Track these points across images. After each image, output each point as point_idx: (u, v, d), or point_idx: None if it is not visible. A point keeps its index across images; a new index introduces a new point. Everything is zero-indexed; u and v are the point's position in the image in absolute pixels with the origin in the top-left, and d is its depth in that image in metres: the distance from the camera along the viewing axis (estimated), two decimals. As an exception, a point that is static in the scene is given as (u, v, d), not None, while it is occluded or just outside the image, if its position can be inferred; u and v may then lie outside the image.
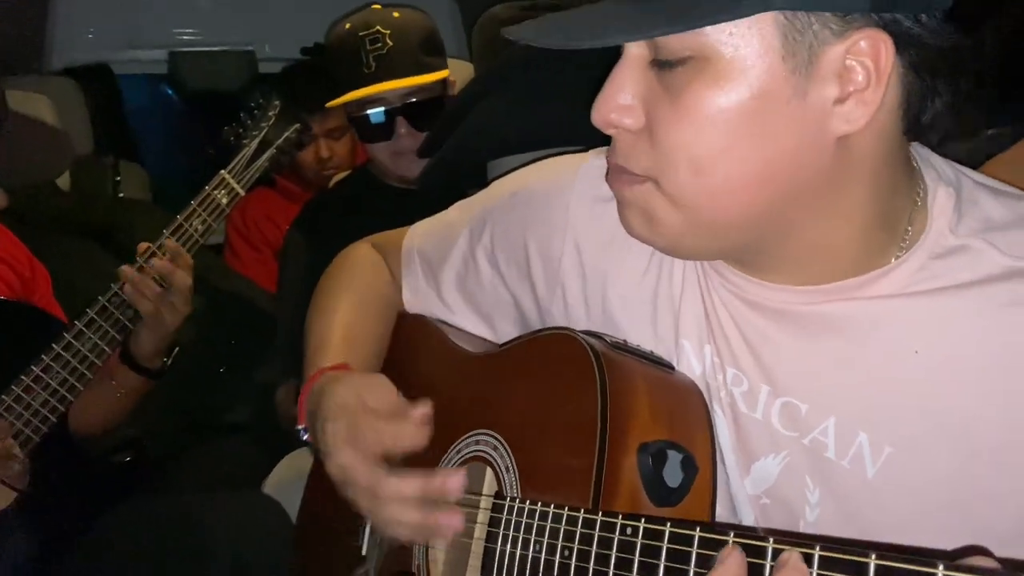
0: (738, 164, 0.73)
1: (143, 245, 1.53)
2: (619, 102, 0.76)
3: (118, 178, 2.92)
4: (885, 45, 0.70)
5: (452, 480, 0.88)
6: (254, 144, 1.65)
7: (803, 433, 0.82)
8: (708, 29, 0.70)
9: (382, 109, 1.85)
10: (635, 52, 0.76)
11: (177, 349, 1.64)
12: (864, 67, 0.71)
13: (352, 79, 1.84)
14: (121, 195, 2.92)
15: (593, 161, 0.98)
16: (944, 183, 0.82)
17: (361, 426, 0.93)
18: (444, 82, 1.92)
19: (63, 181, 2.65)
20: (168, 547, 1.55)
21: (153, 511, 1.63)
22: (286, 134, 1.68)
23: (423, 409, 0.93)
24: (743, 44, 0.70)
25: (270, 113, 1.69)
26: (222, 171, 1.62)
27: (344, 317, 1.13)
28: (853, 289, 0.80)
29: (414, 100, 1.85)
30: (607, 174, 0.83)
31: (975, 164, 0.94)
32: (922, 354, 0.77)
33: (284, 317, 2.03)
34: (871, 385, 0.79)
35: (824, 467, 0.81)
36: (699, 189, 0.75)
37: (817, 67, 0.71)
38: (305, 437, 1.05)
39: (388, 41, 1.83)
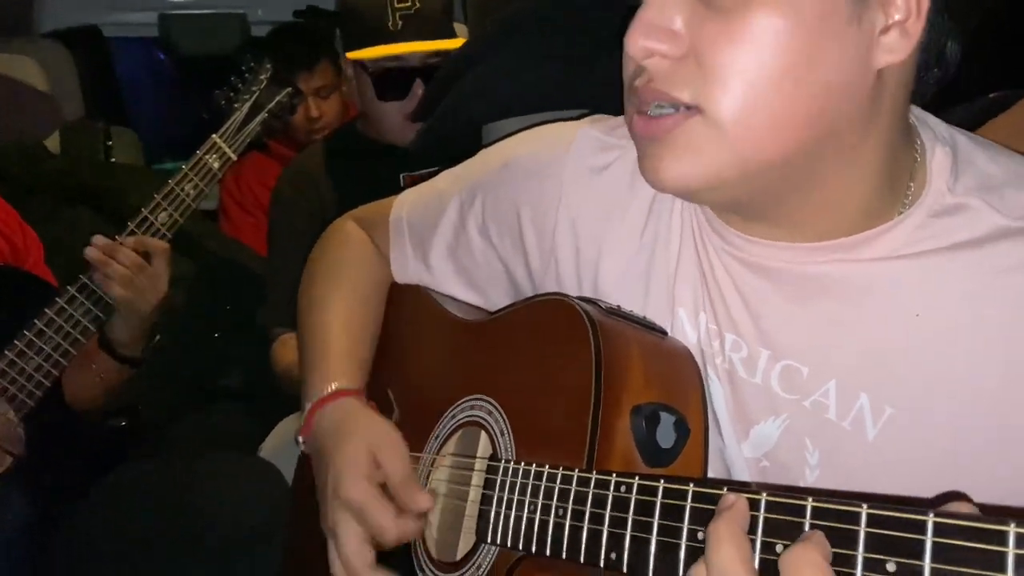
0: (793, 92, 0.71)
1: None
2: (661, 26, 0.73)
3: (109, 142, 2.89)
4: None
5: None
6: (245, 108, 1.64)
7: (804, 396, 0.82)
8: None
9: (401, 66, 1.85)
10: None
11: (158, 338, 1.63)
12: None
13: (376, 34, 1.84)
14: (113, 160, 2.90)
15: (587, 130, 0.97)
16: (941, 142, 0.83)
17: (370, 512, 0.93)
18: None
19: (54, 146, 2.63)
20: (164, 510, 1.56)
21: (149, 475, 1.63)
22: (277, 98, 1.67)
23: (427, 502, 0.94)
24: None
25: (261, 77, 1.68)
26: (213, 135, 1.61)
27: (342, 311, 1.12)
28: (855, 247, 0.80)
29: (433, 63, 1.85)
30: (632, 119, 0.78)
31: (973, 129, 0.94)
32: (923, 316, 0.78)
33: (275, 267, 2.03)
34: (872, 347, 0.79)
35: (824, 429, 0.81)
36: (751, 116, 0.72)
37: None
38: (302, 448, 1.06)
39: (416, 2, 1.84)
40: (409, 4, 1.83)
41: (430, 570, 0.93)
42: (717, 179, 0.75)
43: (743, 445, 0.86)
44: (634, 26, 0.74)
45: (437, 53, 1.85)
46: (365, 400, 1.06)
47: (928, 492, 0.75)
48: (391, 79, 1.86)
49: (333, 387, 1.05)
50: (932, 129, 0.84)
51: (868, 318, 0.80)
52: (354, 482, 0.95)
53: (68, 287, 1.51)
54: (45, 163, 2.48)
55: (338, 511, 0.95)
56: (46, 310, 1.48)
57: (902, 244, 0.79)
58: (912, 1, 0.72)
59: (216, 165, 1.59)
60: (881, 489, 0.79)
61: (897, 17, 0.72)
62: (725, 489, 0.58)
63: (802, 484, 0.83)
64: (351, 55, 1.91)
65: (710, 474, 0.85)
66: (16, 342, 1.45)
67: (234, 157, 1.62)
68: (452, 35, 1.89)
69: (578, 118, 1.03)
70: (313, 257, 1.22)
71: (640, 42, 0.74)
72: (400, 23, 1.82)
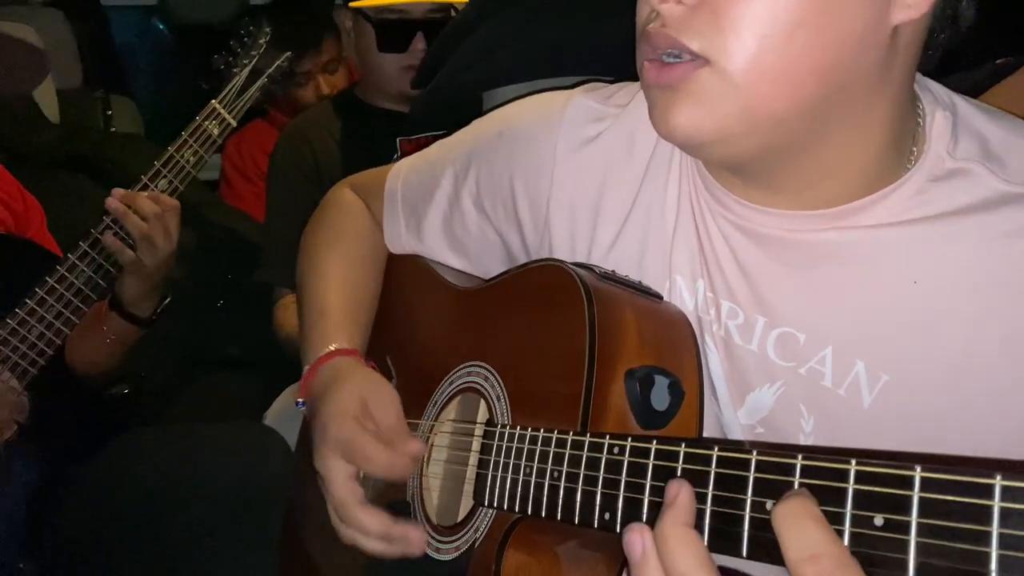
0: (807, 44, 0.71)
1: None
2: None
3: (109, 112, 2.88)
4: None
5: (414, 533, 0.91)
6: (244, 73, 1.62)
7: (800, 362, 0.82)
8: None
9: (404, 19, 1.87)
10: None
11: (168, 299, 1.63)
12: None
13: None
14: (112, 129, 2.89)
15: (581, 99, 0.96)
16: (941, 106, 0.82)
17: (357, 442, 0.93)
18: (454, 7, 1.95)
19: (53, 115, 2.62)
20: (168, 477, 1.57)
21: (152, 442, 1.65)
22: (277, 63, 1.66)
23: (418, 446, 0.94)
24: None
25: (260, 41, 1.66)
26: (213, 101, 1.60)
27: (340, 277, 1.13)
28: (854, 213, 0.79)
29: (435, 17, 1.88)
30: (642, 67, 0.78)
31: (977, 95, 0.93)
32: (921, 283, 0.77)
33: (272, 226, 2.04)
34: (869, 314, 0.79)
35: (820, 395, 0.82)
36: (763, 67, 0.71)
37: None
38: (302, 410, 1.07)
39: None
40: None
41: (430, 534, 0.94)
42: (726, 130, 0.75)
43: (739, 412, 0.87)
44: None
45: (440, 7, 1.86)
46: (362, 359, 1.07)
47: None
48: (393, 31, 1.88)
49: (331, 347, 1.05)
50: (932, 93, 0.83)
51: (866, 285, 0.79)
52: (342, 421, 0.95)
53: (69, 255, 1.51)
54: (44, 132, 2.47)
55: (327, 451, 0.96)
56: (47, 278, 1.48)
57: (900, 210, 0.79)
58: None
59: (216, 131, 1.59)
60: None
61: None
62: (716, 449, 0.59)
63: (792, 443, 0.84)
64: (354, 4, 1.90)
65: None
66: (18, 310, 1.46)
67: (234, 123, 1.62)
68: None
69: (577, 84, 1.02)
70: (311, 224, 1.23)
71: None
72: None
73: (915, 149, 0.80)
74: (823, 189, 0.80)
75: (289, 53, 1.68)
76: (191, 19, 3.32)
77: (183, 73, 3.73)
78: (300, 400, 1.07)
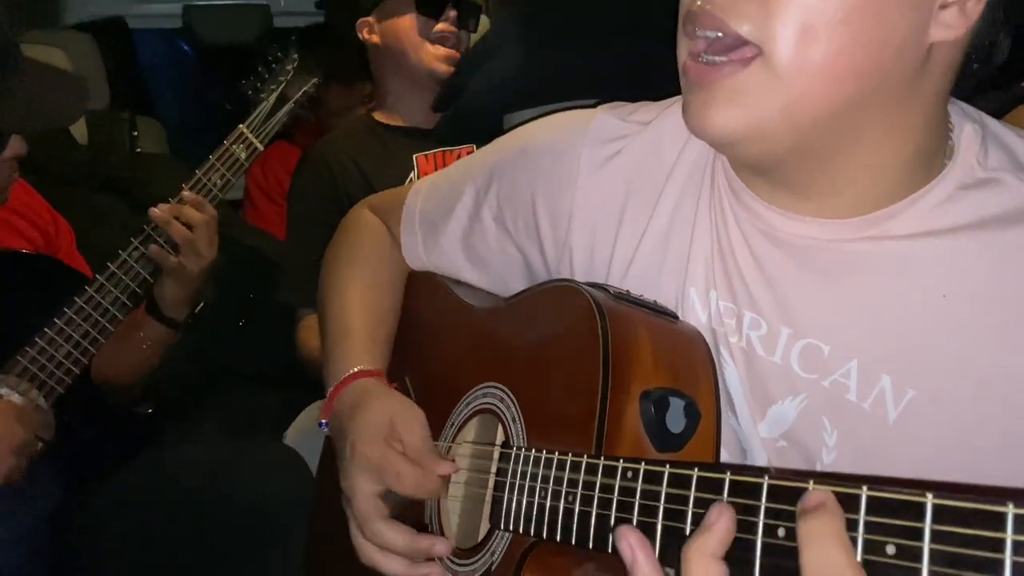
0: (850, 40, 0.72)
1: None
2: None
3: (135, 132, 2.93)
4: None
5: (439, 545, 0.91)
6: (272, 99, 1.65)
7: (823, 375, 0.82)
8: None
9: None
10: None
11: (203, 304, 1.67)
12: None
13: None
14: (138, 149, 2.93)
15: (604, 116, 0.97)
16: (970, 120, 0.83)
17: (387, 461, 0.94)
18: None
19: (81, 135, 2.67)
20: (189, 496, 1.59)
21: (175, 460, 1.66)
22: (304, 88, 1.69)
23: (447, 466, 0.95)
24: None
25: (288, 67, 1.69)
26: (240, 125, 1.63)
27: (362, 296, 1.14)
28: (883, 220, 0.79)
29: (470, 1, 2.00)
30: (685, 63, 0.78)
31: (1001, 116, 0.94)
32: (949, 297, 0.77)
33: (292, 246, 2.07)
34: (896, 327, 0.79)
35: (844, 409, 0.81)
36: (806, 61, 0.72)
37: None
38: (325, 431, 1.08)
39: None
40: None
41: (448, 557, 0.94)
42: (763, 127, 0.75)
43: (760, 425, 0.86)
44: None
45: None
46: (386, 381, 1.07)
47: (948, 475, 0.74)
48: None
49: (354, 369, 1.06)
50: (962, 109, 0.84)
51: (894, 298, 0.79)
52: (370, 441, 0.96)
53: (97, 276, 1.53)
54: (73, 153, 2.52)
55: (355, 470, 0.96)
56: (75, 298, 1.51)
57: (929, 218, 0.78)
58: None
59: (243, 155, 1.61)
60: (900, 472, 0.78)
61: None
62: (728, 473, 0.59)
63: (819, 465, 0.83)
64: None
65: (725, 456, 0.85)
66: (47, 330, 1.48)
67: (261, 147, 1.64)
68: None
69: (596, 106, 1.03)
70: (332, 245, 1.24)
71: None
72: None
73: (946, 161, 0.81)
74: (851, 196, 0.80)
75: (315, 80, 1.70)
76: (215, 40, 3.37)
77: (208, 94, 3.79)
78: (323, 421, 1.08)
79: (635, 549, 0.62)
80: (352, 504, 0.96)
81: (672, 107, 0.94)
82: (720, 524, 0.58)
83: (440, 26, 1.98)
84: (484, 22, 2.25)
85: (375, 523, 0.94)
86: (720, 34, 0.74)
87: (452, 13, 1.98)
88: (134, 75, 3.37)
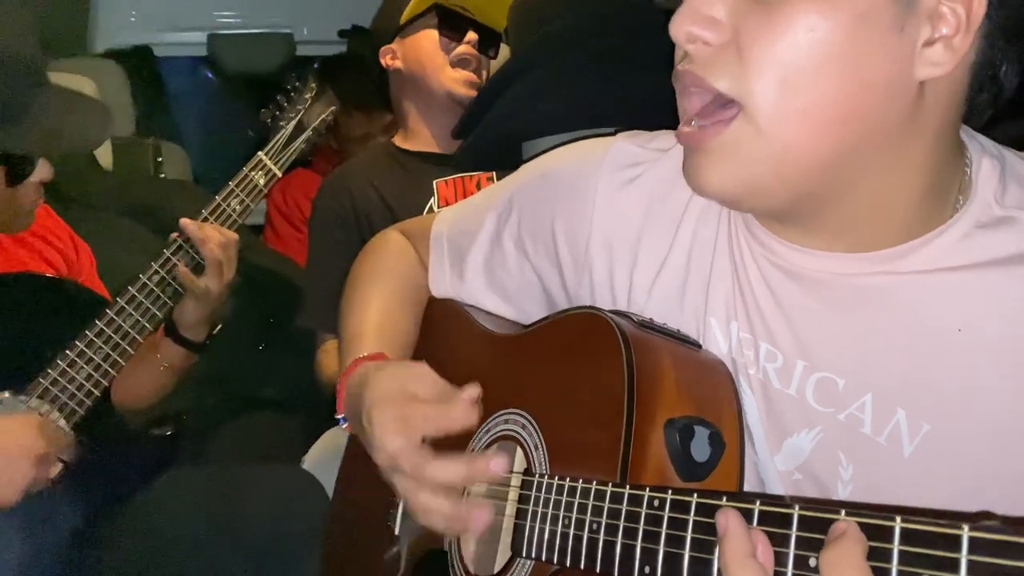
0: (829, 88, 0.72)
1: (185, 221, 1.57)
2: (705, 13, 0.74)
3: (159, 158, 2.97)
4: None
5: (495, 462, 0.87)
6: (291, 126, 1.68)
7: (839, 408, 0.81)
8: None
9: (463, 13, 2.00)
10: None
11: (220, 326, 1.68)
12: (955, 14, 0.71)
13: None
14: (162, 175, 2.97)
15: (622, 144, 0.98)
16: (988, 155, 0.82)
17: (410, 414, 0.91)
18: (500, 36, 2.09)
19: (106, 161, 2.71)
20: (207, 520, 1.59)
21: (192, 484, 1.66)
22: (322, 116, 1.71)
23: (471, 391, 0.92)
24: None
25: (306, 96, 1.72)
26: (260, 153, 1.65)
27: (378, 308, 1.14)
28: (897, 258, 0.79)
29: (487, 26, 2.03)
30: (679, 132, 0.79)
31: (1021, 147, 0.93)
32: (965, 332, 0.76)
33: (313, 272, 2.08)
34: (912, 361, 0.78)
35: (859, 443, 0.80)
36: (787, 112, 0.73)
37: (916, 3, 0.71)
38: (345, 426, 1.06)
39: None
40: None
41: (469, 584, 0.93)
42: (756, 183, 0.76)
43: (776, 457, 0.85)
44: (680, 11, 0.75)
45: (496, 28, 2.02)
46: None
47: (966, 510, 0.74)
48: (453, 18, 2.02)
49: (361, 355, 1.05)
50: (980, 143, 0.83)
51: (909, 332, 0.78)
52: (386, 402, 0.93)
53: (118, 299, 1.55)
54: (98, 178, 2.55)
55: (382, 436, 0.91)
56: (96, 321, 1.52)
57: (946, 255, 0.78)
58: (961, 17, 0.71)
59: (262, 181, 1.63)
60: (916, 506, 0.77)
61: (944, 31, 0.71)
62: (758, 503, 0.58)
63: (835, 499, 0.82)
64: (406, 15, 2.02)
65: (745, 487, 0.84)
66: (68, 352, 1.49)
67: (279, 174, 1.66)
68: None
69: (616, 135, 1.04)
70: (357, 262, 1.25)
71: (683, 26, 0.75)
72: None
73: (961, 197, 0.80)
74: (862, 233, 0.79)
75: (333, 108, 1.72)
76: (240, 68, 3.43)
77: (232, 121, 3.84)
78: (341, 416, 1.06)
79: (730, 518, 0.61)
80: (399, 467, 0.91)
81: None
82: (733, 525, 0.58)
83: (461, 48, 2.01)
84: (504, 51, 2.27)
85: (429, 467, 0.88)
86: (698, 89, 0.76)
87: (473, 36, 2.01)
88: (160, 102, 3.42)
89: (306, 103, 1.71)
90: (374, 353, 1.05)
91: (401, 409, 0.92)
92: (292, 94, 1.73)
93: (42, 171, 1.46)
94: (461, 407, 0.91)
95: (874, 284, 0.80)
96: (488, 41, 2.05)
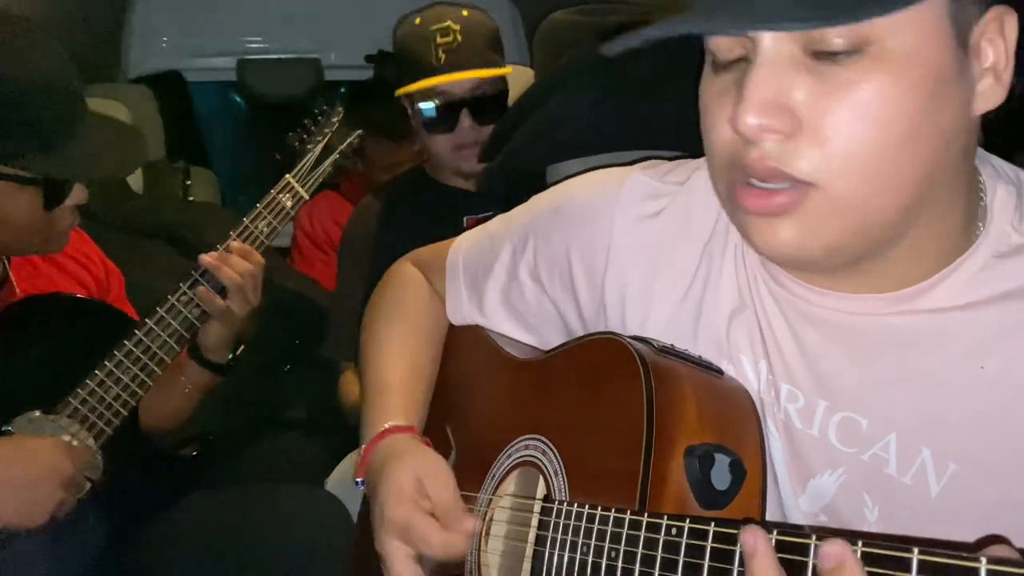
0: (914, 156, 0.70)
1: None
2: (775, 102, 0.70)
3: (188, 182, 3.01)
4: (1011, 22, 0.70)
5: None
6: (318, 149, 1.70)
7: (862, 449, 0.80)
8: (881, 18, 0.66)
9: (446, 102, 1.89)
10: (786, 50, 0.70)
11: (242, 347, 1.70)
12: (995, 45, 0.71)
13: (421, 70, 1.90)
14: (191, 198, 3.01)
15: (638, 176, 0.97)
16: (1003, 180, 0.81)
17: (414, 524, 0.95)
18: (505, 79, 1.97)
19: (136, 184, 2.75)
20: (231, 541, 1.59)
21: (216, 504, 1.67)
22: (348, 139, 1.73)
23: (473, 523, 0.95)
24: (918, 29, 0.67)
25: (333, 120, 1.74)
26: (287, 175, 1.67)
27: (401, 353, 1.15)
28: (915, 296, 0.78)
29: (479, 94, 1.90)
30: (736, 191, 0.75)
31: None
32: (988, 368, 0.75)
33: (339, 302, 2.09)
34: (935, 399, 0.77)
35: (884, 484, 0.79)
36: (871, 189, 0.70)
37: (969, 44, 0.70)
38: (362, 489, 1.08)
39: (458, 36, 1.89)
40: (451, 39, 1.88)
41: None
42: (834, 246, 0.74)
43: (800, 499, 0.84)
44: (745, 103, 0.70)
45: (480, 84, 1.90)
46: (419, 436, 1.08)
47: None
48: (437, 112, 1.91)
49: (387, 425, 1.07)
50: (994, 167, 0.82)
51: (930, 370, 0.77)
52: (398, 503, 0.96)
53: (147, 319, 1.57)
54: (129, 201, 2.60)
55: (386, 534, 0.96)
56: (125, 342, 1.54)
57: (964, 290, 0.77)
58: (1000, 48, 0.71)
59: (289, 204, 1.66)
60: None
61: (989, 63, 0.71)
62: (776, 532, 0.58)
63: (855, 530, 0.81)
64: (399, 92, 1.97)
65: (769, 523, 0.83)
66: (97, 372, 1.51)
67: (307, 196, 1.69)
68: (494, 65, 1.94)
69: (642, 159, 1.04)
70: (374, 297, 1.26)
71: (753, 120, 0.70)
72: (443, 57, 1.87)
73: (981, 226, 0.79)
74: (891, 273, 0.78)
75: (360, 131, 1.74)
76: (268, 94, 3.47)
77: (260, 145, 3.89)
78: (359, 479, 1.08)
79: (758, 537, 0.60)
80: (389, 569, 0.96)
81: (702, 169, 0.92)
82: (762, 544, 0.58)
83: (457, 141, 1.92)
84: (528, 73, 2.28)
85: None
86: (773, 180, 0.72)
87: (466, 123, 1.90)
88: (189, 127, 3.47)
89: (333, 126, 1.73)
90: (401, 426, 1.07)
91: (408, 519, 0.95)
92: (319, 118, 1.76)
93: (78, 195, 1.49)
94: (460, 540, 0.94)
95: (894, 324, 0.79)
96: (485, 110, 1.91)
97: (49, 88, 1.41)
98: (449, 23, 1.90)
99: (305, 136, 1.73)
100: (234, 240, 1.61)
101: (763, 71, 0.70)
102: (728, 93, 0.73)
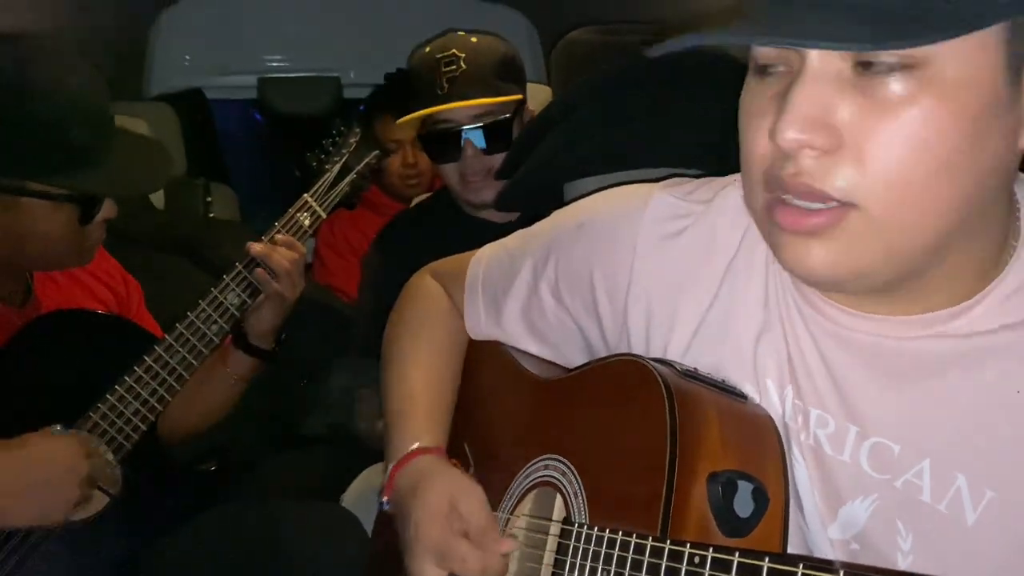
0: (954, 183, 0.69)
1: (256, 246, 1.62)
2: (818, 118, 0.69)
3: (209, 199, 3.03)
4: None
5: None
6: (335, 169, 1.71)
7: (895, 475, 0.79)
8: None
9: (450, 128, 1.87)
10: (833, 66, 0.69)
11: (284, 335, 1.71)
12: None
13: (425, 99, 1.89)
14: (211, 215, 3.03)
15: (662, 195, 0.96)
16: None
17: (450, 546, 0.95)
18: (518, 106, 1.93)
19: (158, 200, 2.78)
20: (249, 554, 1.60)
21: (233, 520, 1.67)
22: (366, 160, 1.75)
23: (509, 544, 0.95)
24: (970, 55, 0.66)
25: (351, 140, 1.76)
26: (305, 195, 1.69)
27: (423, 369, 1.15)
28: (949, 320, 0.77)
29: (483, 123, 1.87)
30: (772, 208, 0.74)
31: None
32: None
33: (362, 330, 2.09)
34: (969, 425, 0.76)
35: (918, 511, 0.78)
36: (910, 211, 0.69)
37: (1021, 77, 0.69)
38: (387, 508, 1.08)
39: (463, 64, 1.87)
40: (455, 68, 1.87)
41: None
42: (868, 269, 0.73)
43: (830, 527, 0.82)
44: (787, 116, 0.69)
45: (489, 111, 1.87)
46: (445, 457, 1.07)
47: None
48: (441, 140, 1.90)
49: (414, 446, 1.06)
50: None
51: (964, 395, 0.76)
52: (432, 524, 0.96)
53: (167, 336, 1.58)
54: (150, 217, 2.62)
55: (420, 553, 0.96)
56: (145, 357, 1.55)
57: (998, 313, 0.76)
58: None
59: (307, 223, 1.68)
60: None
61: None
62: (801, 566, 0.57)
63: (887, 568, 0.79)
64: (399, 121, 1.96)
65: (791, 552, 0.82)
66: (117, 387, 1.52)
67: (324, 215, 1.70)
68: (504, 93, 1.91)
69: (661, 178, 1.03)
70: (395, 312, 1.25)
71: (794, 135, 0.69)
72: (447, 86, 1.86)
73: (1015, 244, 0.78)
74: (924, 297, 0.77)
75: (377, 152, 1.76)
76: (288, 111, 3.50)
77: (279, 162, 3.92)
78: (384, 500, 1.08)
79: None
80: None
81: (728, 188, 0.92)
82: None
83: (463, 170, 1.89)
84: (546, 92, 2.28)
85: None
86: (809, 198, 0.71)
87: (470, 153, 1.86)
88: (210, 144, 3.50)
89: (351, 146, 1.74)
90: (428, 447, 1.07)
91: (444, 541, 0.95)
92: (337, 139, 1.77)
93: (108, 210, 1.53)
94: (496, 560, 0.94)
95: (926, 348, 0.78)
96: (491, 138, 1.86)
97: (83, 107, 1.45)
98: (454, 51, 1.88)
99: (323, 156, 1.75)
100: (278, 232, 1.63)
101: (809, 86, 0.69)
102: (771, 103, 0.73)
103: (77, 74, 1.46)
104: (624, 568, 0.75)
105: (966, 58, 0.66)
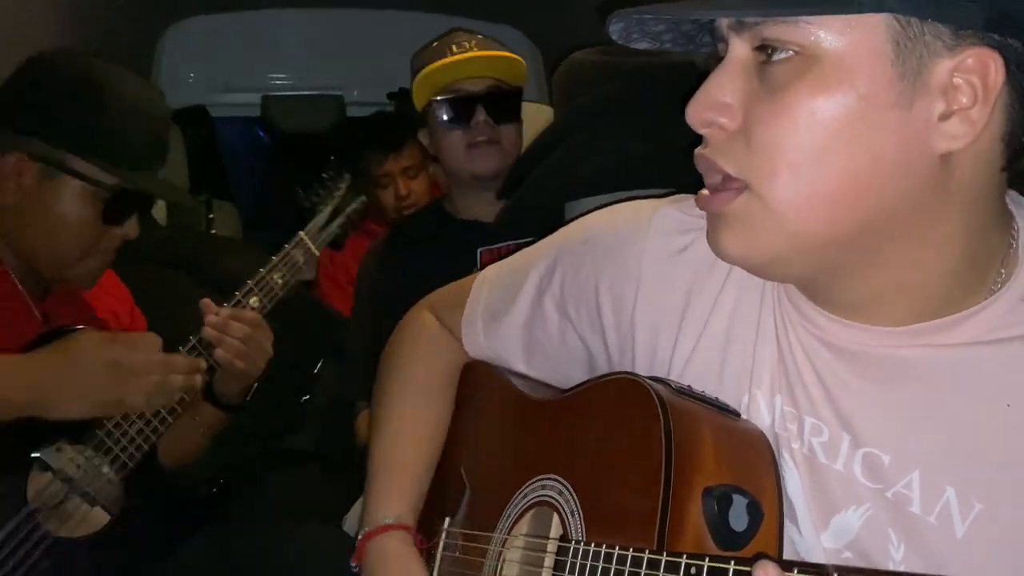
0: (835, 168, 0.72)
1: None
2: (718, 100, 0.75)
3: (211, 215, 3.05)
4: (995, 64, 0.70)
5: None
6: (327, 212, 1.78)
7: (886, 486, 0.79)
8: (818, 28, 0.70)
9: (460, 94, 1.95)
10: (739, 54, 0.75)
11: (255, 386, 1.72)
12: (971, 85, 0.70)
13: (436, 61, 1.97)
14: (213, 231, 3.05)
15: (667, 210, 0.97)
16: None
17: None
18: (520, 89, 2.03)
19: (160, 217, 2.79)
20: None
21: (234, 541, 1.68)
22: (353, 205, 1.81)
23: None
24: (852, 44, 0.70)
25: (341, 186, 1.82)
26: (300, 232, 1.74)
27: (409, 422, 1.19)
28: (935, 332, 0.78)
29: (494, 90, 1.96)
30: (697, 198, 0.81)
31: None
32: (1015, 406, 0.74)
33: (353, 341, 2.10)
34: (959, 437, 0.76)
35: (909, 522, 0.78)
36: (794, 193, 0.73)
37: (926, 79, 0.70)
38: (355, 571, 1.12)
39: (471, 40, 1.98)
40: (468, 46, 1.96)
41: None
42: (774, 253, 0.77)
43: (823, 535, 0.83)
44: (696, 97, 0.77)
45: (500, 82, 1.96)
46: (412, 536, 1.11)
47: None
48: (455, 106, 1.96)
49: (386, 521, 1.10)
50: None
51: (954, 407, 0.77)
52: None
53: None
54: (152, 233, 2.63)
55: None
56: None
57: (991, 328, 0.76)
58: (977, 88, 0.70)
59: (301, 260, 1.73)
60: None
61: (963, 101, 0.70)
62: (796, 571, 0.58)
63: (878, 569, 0.80)
64: (415, 81, 2.02)
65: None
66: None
67: (316, 253, 1.76)
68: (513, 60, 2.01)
69: (664, 195, 1.04)
70: (388, 348, 1.27)
71: (697, 113, 0.76)
72: (457, 50, 1.96)
73: (1004, 271, 0.78)
74: (897, 307, 0.79)
75: (364, 198, 1.82)
76: (291, 128, 3.52)
77: (282, 180, 3.94)
78: (354, 565, 1.11)
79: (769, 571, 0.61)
80: None
81: None
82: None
83: (473, 133, 1.96)
84: (548, 112, 2.29)
85: None
86: (712, 172, 0.78)
87: (481, 118, 1.95)
88: (214, 160, 3.52)
89: (340, 192, 1.82)
90: (396, 524, 1.11)
91: None
92: (328, 183, 1.83)
93: (130, 228, 1.57)
94: None
95: (915, 357, 0.79)
96: (500, 108, 1.97)
97: (147, 111, 1.56)
98: (464, 38, 1.99)
99: (315, 198, 1.81)
100: (253, 287, 1.65)
101: (721, 73, 0.76)
102: None
103: (143, 84, 1.60)
104: (621, 582, 0.76)
105: (845, 43, 0.70)
